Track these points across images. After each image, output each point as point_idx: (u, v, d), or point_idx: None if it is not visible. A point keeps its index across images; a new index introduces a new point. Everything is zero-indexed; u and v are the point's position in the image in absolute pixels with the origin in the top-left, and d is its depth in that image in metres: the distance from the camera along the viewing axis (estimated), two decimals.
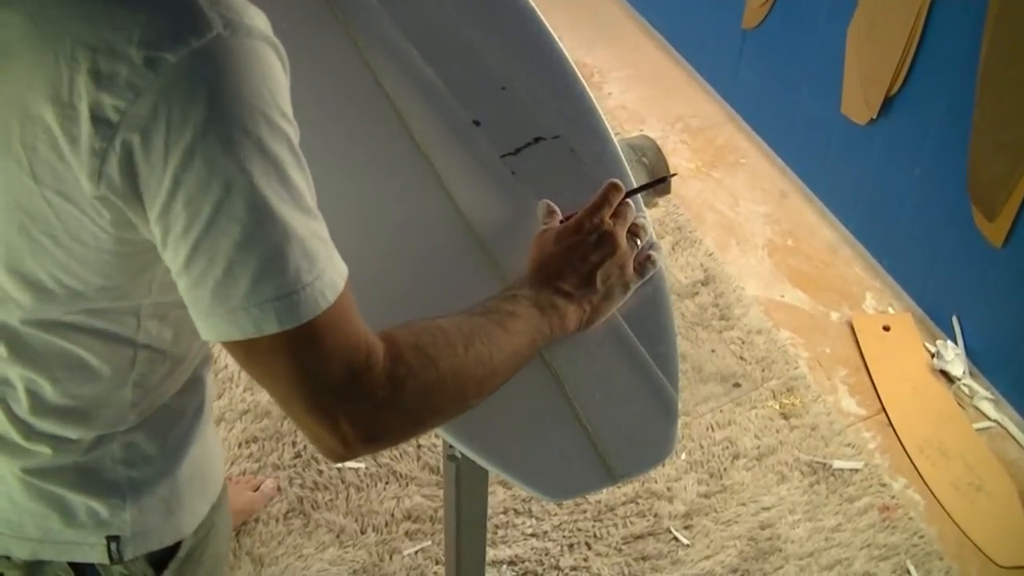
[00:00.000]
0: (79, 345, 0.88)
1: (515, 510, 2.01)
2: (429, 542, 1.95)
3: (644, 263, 1.08)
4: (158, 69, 0.69)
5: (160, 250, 0.76)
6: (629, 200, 1.12)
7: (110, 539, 0.96)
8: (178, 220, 0.72)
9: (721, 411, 2.22)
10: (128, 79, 0.70)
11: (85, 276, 0.81)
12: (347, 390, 0.77)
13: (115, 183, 0.73)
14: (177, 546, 1.02)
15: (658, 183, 1.17)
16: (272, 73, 0.74)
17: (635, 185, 1.16)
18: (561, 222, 1.10)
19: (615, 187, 1.10)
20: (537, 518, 2.00)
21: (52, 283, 0.82)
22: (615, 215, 1.08)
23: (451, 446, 1.05)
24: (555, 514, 2.01)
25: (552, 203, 1.12)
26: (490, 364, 0.89)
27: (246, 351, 0.77)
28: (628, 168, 1.21)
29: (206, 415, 1.04)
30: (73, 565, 0.98)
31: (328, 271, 0.76)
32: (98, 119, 0.70)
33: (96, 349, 0.89)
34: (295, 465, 2.05)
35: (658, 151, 2.59)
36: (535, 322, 0.97)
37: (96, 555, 0.96)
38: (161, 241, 0.75)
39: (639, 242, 1.10)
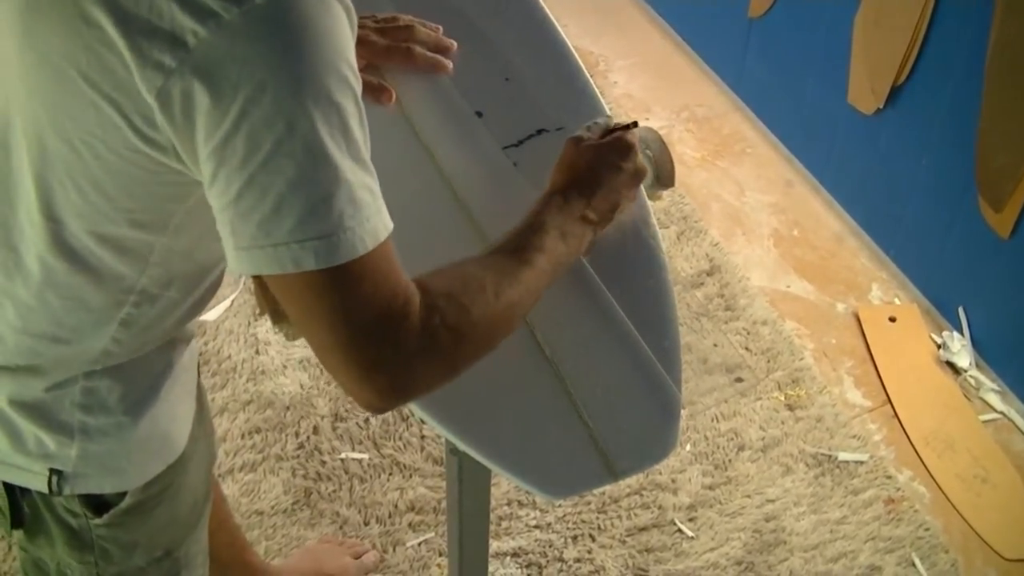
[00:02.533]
0: (83, 276, 0.90)
1: (519, 502, 2.01)
2: (432, 534, 1.95)
3: None
4: (243, 5, 0.73)
5: (207, 183, 0.79)
6: None
7: (53, 471, 1.00)
8: (236, 153, 0.75)
9: (726, 402, 2.22)
10: (211, 8, 0.73)
11: (111, 191, 0.84)
12: (381, 337, 0.79)
13: (172, 105, 0.75)
14: (122, 496, 1.05)
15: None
16: (343, 29, 0.78)
17: (647, 177, 1.17)
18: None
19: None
20: (541, 510, 2.00)
21: (77, 196, 0.85)
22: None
23: None
24: (559, 506, 2.01)
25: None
26: (519, 305, 0.92)
27: (286, 286, 0.80)
28: None
29: (176, 378, 1.06)
30: (10, 489, 1.03)
31: (372, 220, 0.79)
32: (176, 40, 0.73)
33: (97, 284, 0.92)
34: (298, 456, 2.05)
35: (662, 143, 2.57)
36: (559, 254, 0.98)
37: (38, 483, 1.01)
38: (212, 174, 0.77)
39: None
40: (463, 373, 0.88)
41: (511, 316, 0.91)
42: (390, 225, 0.81)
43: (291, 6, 0.74)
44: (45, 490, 1.00)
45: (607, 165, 1.07)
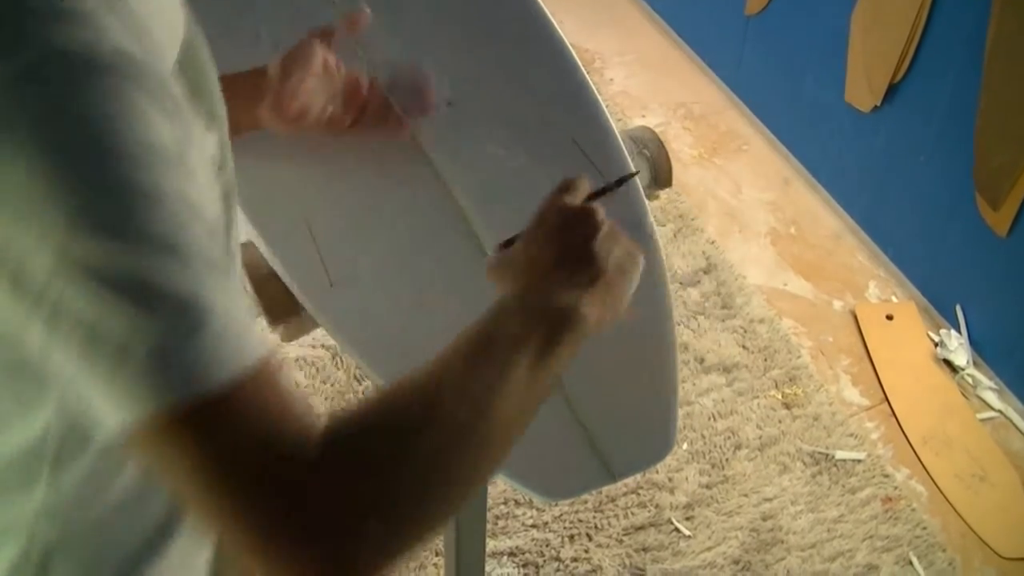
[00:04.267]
0: None
1: (515, 500, 2.00)
2: None
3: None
4: None
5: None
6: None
7: None
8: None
9: (723, 401, 2.21)
10: None
11: None
12: (258, 489, 0.56)
13: None
14: None
15: (614, 187, 1.02)
16: (139, 116, 0.55)
17: (644, 177, 1.13)
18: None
19: (577, 183, 0.92)
20: (538, 509, 1.99)
21: None
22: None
23: None
24: (556, 505, 2.00)
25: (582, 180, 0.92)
26: (481, 420, 0.66)
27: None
28: (630, 160, 1.20)
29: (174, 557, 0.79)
30: None
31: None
32: None
33: None
34: None
35: (660, 144, 2.57)
36: (529, 331, 0.73)
37: None
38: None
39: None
40: (420, 535, 0.62)
41: (467, 437, 0.65)
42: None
43: (28, 91, 0.53)
44: None
45: (557, 242, 0.84)
